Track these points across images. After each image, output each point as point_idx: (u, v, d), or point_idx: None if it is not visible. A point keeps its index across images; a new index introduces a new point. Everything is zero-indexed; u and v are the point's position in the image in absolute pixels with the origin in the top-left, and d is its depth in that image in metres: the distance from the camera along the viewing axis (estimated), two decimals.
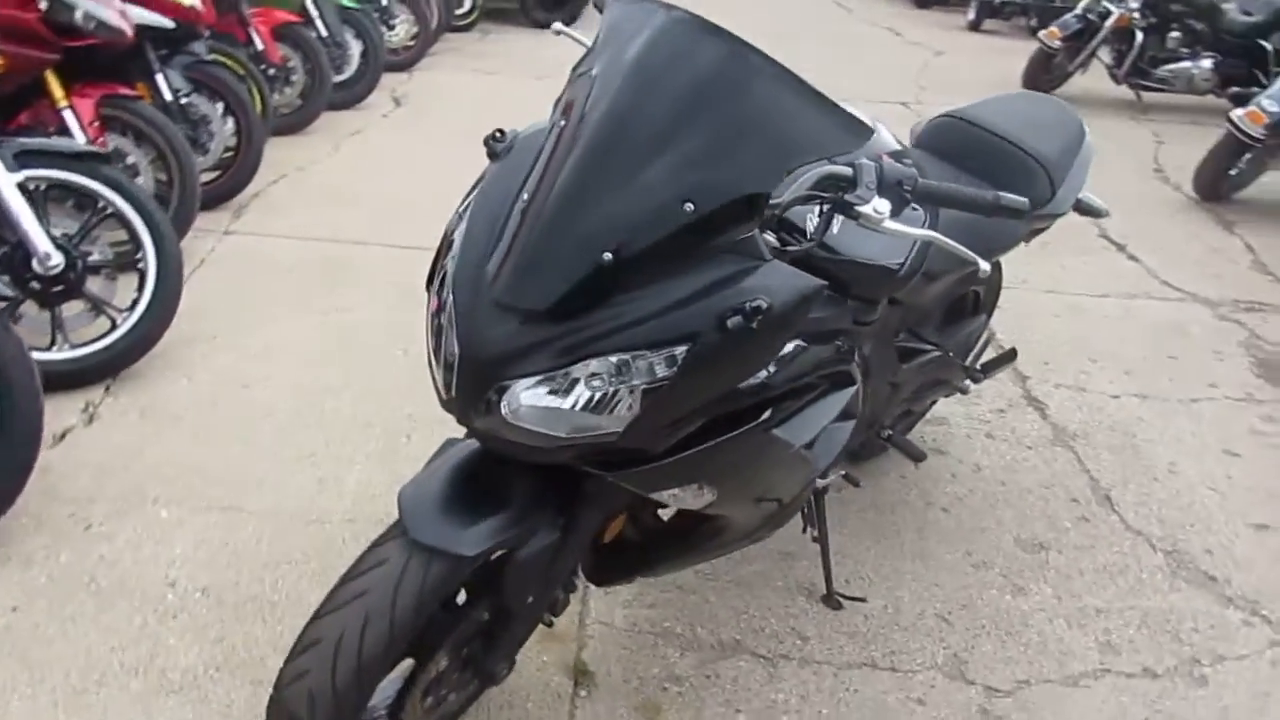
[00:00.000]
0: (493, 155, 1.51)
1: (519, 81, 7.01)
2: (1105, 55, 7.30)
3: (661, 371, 1.30)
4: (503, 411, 1.33)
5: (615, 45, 1.40)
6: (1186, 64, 7.02)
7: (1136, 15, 6.90)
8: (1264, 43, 6.72)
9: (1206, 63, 6.95)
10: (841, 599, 2.26)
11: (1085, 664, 2.15)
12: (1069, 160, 2.34)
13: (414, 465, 1.57)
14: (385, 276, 3.71)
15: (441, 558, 1.42)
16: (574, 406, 1.31)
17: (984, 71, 8.09)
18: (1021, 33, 9.92)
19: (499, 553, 1.50)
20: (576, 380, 1.30)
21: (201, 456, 2.60)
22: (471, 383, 1.34)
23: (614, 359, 1.29)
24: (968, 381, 2.49)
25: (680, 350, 1.29)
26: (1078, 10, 7.22)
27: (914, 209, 1.64)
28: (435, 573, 1.43)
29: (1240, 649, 2.22)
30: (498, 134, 1.52)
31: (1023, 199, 1.47)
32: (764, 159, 1.31)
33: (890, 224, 1.38)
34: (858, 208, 1.38)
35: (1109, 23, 7.01)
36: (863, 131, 1.37)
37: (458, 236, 1.44)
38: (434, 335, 1.43)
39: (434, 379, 1.44)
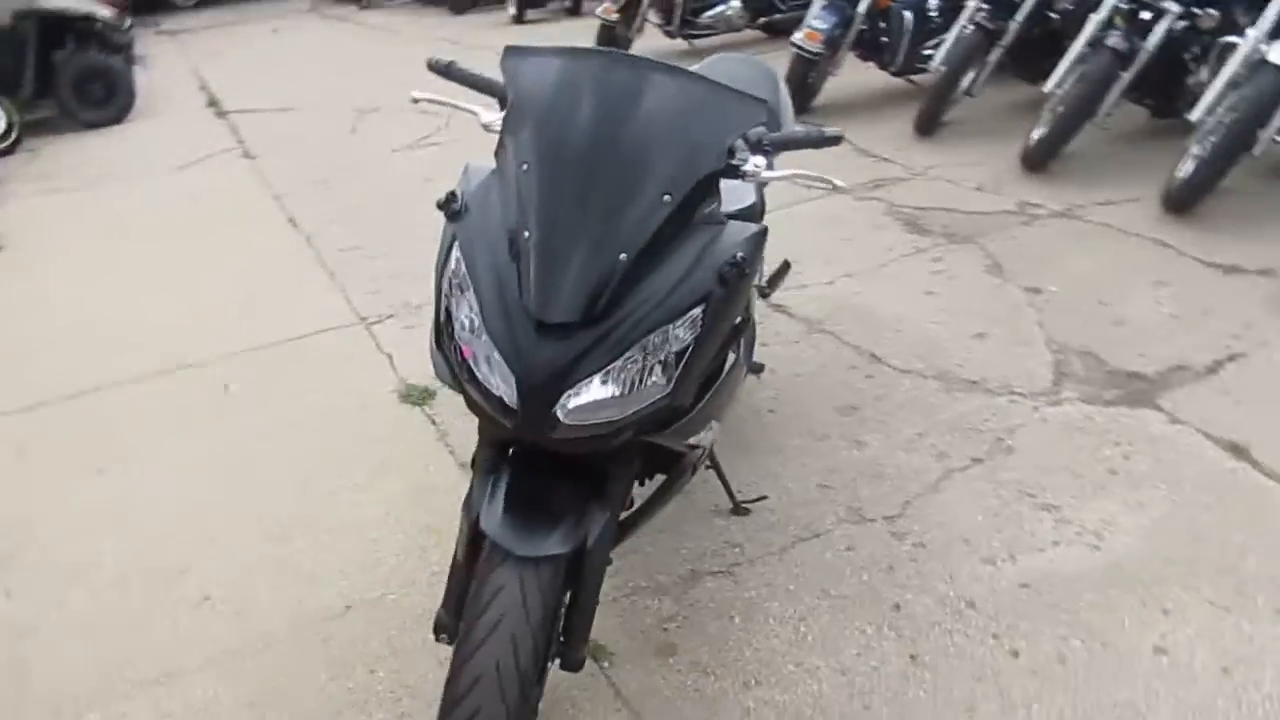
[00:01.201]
0: (453, 215, 1.68)
1: (109, 194, 6.51)
2: (654, 17, 8.21)
3: (688, 335, 1.59)
4: (568, 418, 1.55)
5: (552, 89, 1.66)
6: (720, 7, 8.12)
7: None
8: None
9: (736, 1, 8.09)
10: (747, 505, 2.66)
11: (934, 473, 2.74)
12: (778, 104, 2.87)
13: None
14: None
15: (548, 563, 1.62)
16: (629, 389, 1.57)
17: None
18: (562, 15, 10.77)
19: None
20: (627, 366, 1.56)
21: None
22: (538, 401, 1.55)
23: (654, 337, 1.57)
24: (759, 299, 2.98)
25: (697, 312, 1.59)
26: None
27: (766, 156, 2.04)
28: (548, 579, 1.62)
29: (1018, 419, 2.94)
30: (450, 196, 1.69)
31: (837, 129, 1.93)
32: (707, 145, 1.65)
33: (767, 174, 1.78)
34: (744, 168, 1.76)
35: None
36: (760, 105, 1.74)
37: (466, 287, 1.61)
38: (474, 379, 1.60)
39: (485, 414, 1.62)
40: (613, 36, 8.18)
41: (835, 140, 1.92)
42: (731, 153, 1.73)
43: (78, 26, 6.92)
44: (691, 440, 1.81)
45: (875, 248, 4.20)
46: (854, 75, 6.33)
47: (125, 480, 3.01)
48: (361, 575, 2.53)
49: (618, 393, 1.57)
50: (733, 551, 2.52)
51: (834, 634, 2.25)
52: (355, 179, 5.65)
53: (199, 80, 8.51)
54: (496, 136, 1.76)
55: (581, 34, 8.78)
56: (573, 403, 1.55)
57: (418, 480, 2.90)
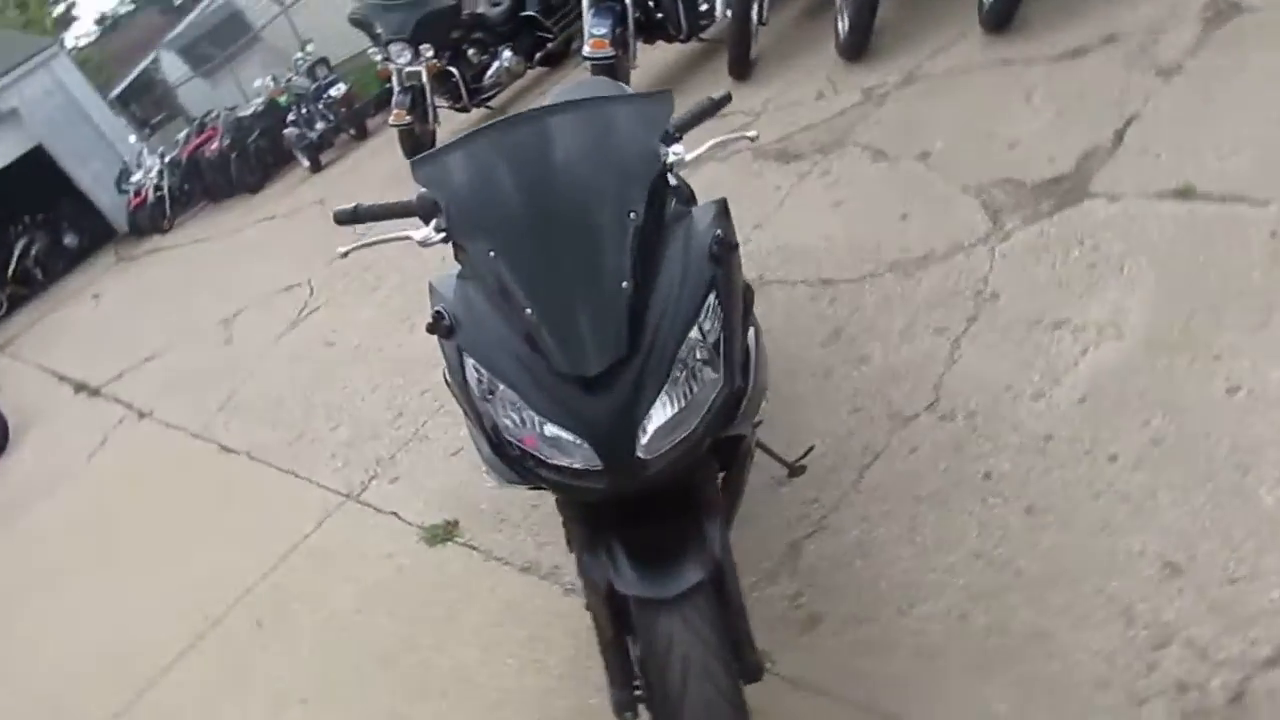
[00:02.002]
0: (447, 332, 1.67)
1: (39, 521, 6.23)
2: (442, 102, 8.25)
3: (715, 324, 1.62)
4: (650, 453, 1.56)
5: (477, 176, 1.68)
6: (495, 64, 8.22)
7: (442, 59, 7.90)
8: (526, 13, 8.14)
9: (506, 52, 8.19)
10: (801, 463, 2.67)
11: (942, 349, 2.81)
12: None
13: None
14: None
15: (697, 592, 1.62)
16: (689, 398, 1.59)
17: None
18: (352, 144, 10.75)
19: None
20: (677, 378, 1.58)
21: None
22: (618, 451, 1.55)
23: (690, 339, 1.58)
24: None
25: (712, 299, 1.62)
26: (397, 88, 8.02)
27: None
28: (705, 605, 1.64)
29: (984, 267, 3.03)
30: (436, 315, 1.67)
31: (722, 91, 1.99)
32: (640, 153, 1.69)
33: (690, 155, 1.83)
34: (671, 160, 1.80)
35: (425, 78, 7.92)
36: (665, 95, 1.78)
37: (495, 388, 1.60)
38: (546, 465, 1.59)
39: (572, 490, 1.61)
40: (413, 137, 8.18)
41: (726, 100, 1.98)
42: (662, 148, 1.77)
43: None
44: (757, 417, 1.83)
45: (765, 192, 4.28)
46: (651, 59, 6.47)
47: None
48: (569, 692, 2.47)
49: (682, 405, 1.59)
50: (813, 508, 2.54)
51: (947, 528, 2.28)
52: (257, 379, 5.52)
53: (51, 373, 8.22)
54: (421, 251, 1.79)
55: (380, 153, 8.82)
56: (648, 437, 1.56)
57: (498, 606, 2.84)
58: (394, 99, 8.01)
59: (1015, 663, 1.94)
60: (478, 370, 1.62)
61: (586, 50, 5.95)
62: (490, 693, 2.58)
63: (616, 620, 1.73)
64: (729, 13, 5.58)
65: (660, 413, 1.56)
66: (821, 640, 2.19)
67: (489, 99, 8.35)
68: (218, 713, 3.06)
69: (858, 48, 4.94)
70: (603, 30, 5.92)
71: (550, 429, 1.56)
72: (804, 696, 2.07)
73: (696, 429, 1.60)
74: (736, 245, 1.74)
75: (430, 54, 7.89)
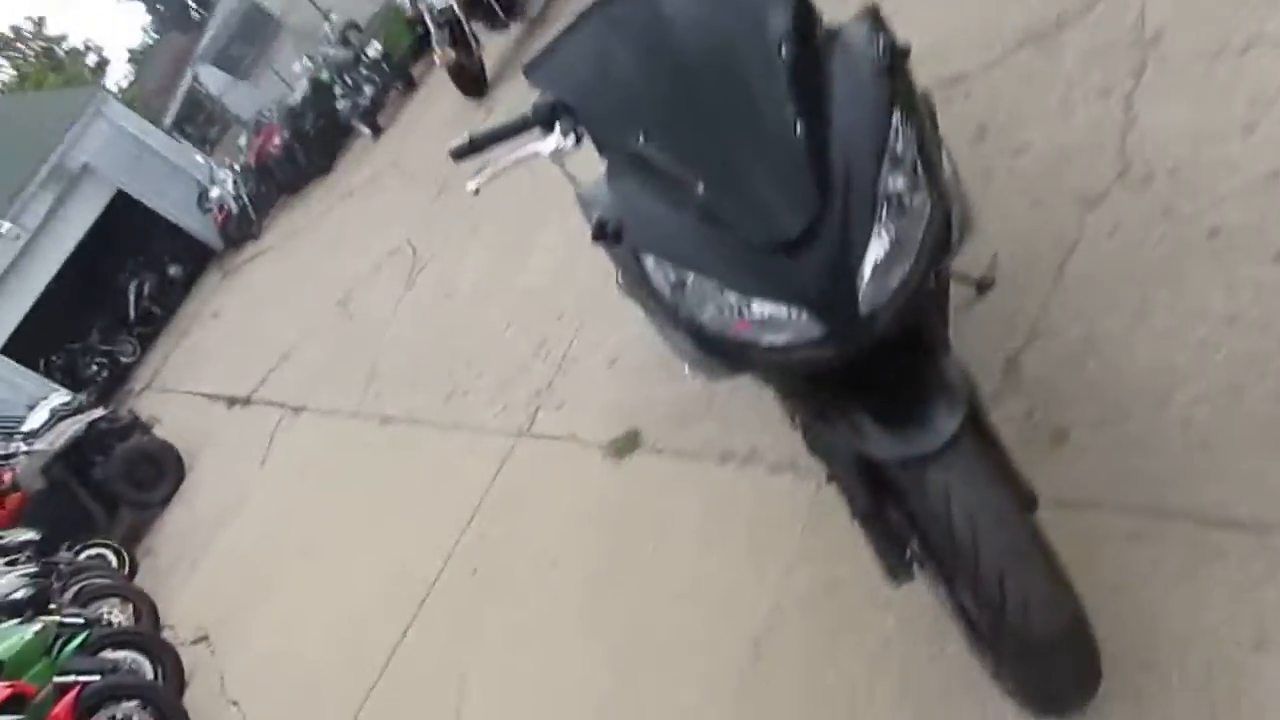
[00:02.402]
0: (616, 238, 1.51)
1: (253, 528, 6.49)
2: (481, 27, 7.96)
3: (909, 142, 1.42)
4: (874, 302, 1.38)
5: (601, 62, 1.54)
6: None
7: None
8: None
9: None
10: (987, 278, 2.44)
11: (1114, 101, 2.51)
12: None
13: None
14: None
15: (960, 437, 1.44)
16: (900, 231, 1.40)
17: None
18: (407, 100, 10.60)
19: None
20: (886, 211, 1.39)
21: None
22: (842, 310, 1.38)
23: (885, 164, 1.39)
24: None
25: (896, 116, 1.43)
26: (433, 29, 7.77)
27: None
28: (971, 448, 1.47)
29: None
30: (599, 224, 1.52)
31: None
32: None
33: None
34: None
35: (457, 9, 7.63)
36: None
37: (686, 278, 1.45)
38: (769, 349, 1.43)
39: (801, 366, 1.46)
40: (463, 72, 7.98)
41: None
42: None
43: (92, 435, 6.93)
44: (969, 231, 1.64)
45: None
46: None
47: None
48: None
49: (894, 242, 1.40)
50: (1019, 319, 2.33)
51: (1186, 300, 2.05)
52: (391, 348, 5.55)
53: (201, 396, 8.53)
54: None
55: (433, 99, 8.67)
56: (866, 287, 1.39)
57: (706, 501, 2.77)
58: (433, 40, 7.81)
59: None
60: (661, 267, 1.47)
61: (438, 59, 5.68)
62: (725, 586, 2.51)
63: (871, 489, 1.59)
64: None
65: (873, 257, 1.38)
66: (1076, 454, 2.00)
67: (524, 10, 8.05)
68: (459, 661, 3.11)
69: None
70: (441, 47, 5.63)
71: (759, 307, 1.40)
72: (1078, 515, 1.90)
73: (917, 264, 1.42)
74: (908, 49, 1.52)
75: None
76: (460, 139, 1.79)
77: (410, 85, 10.37)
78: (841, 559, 2.28)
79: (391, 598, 3.70)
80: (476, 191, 1.84)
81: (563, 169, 1.79)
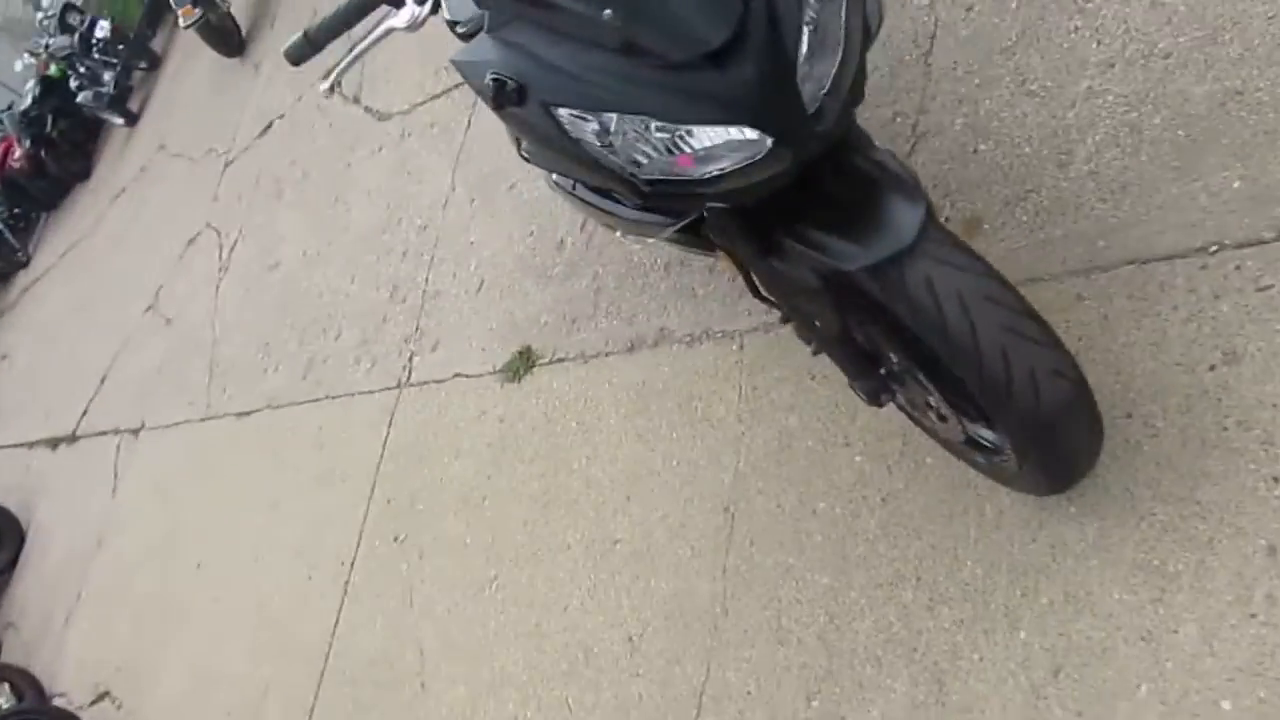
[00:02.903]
0: (518, 96, 1.32)
1: None
2: None
3: None
4: (812, 102, 1.27)
5: None
6: None
7: None
8: None
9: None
10: None
11: None
12: None
13: None
14: None
15: (927, 228, 1.36)
16: (822, 20, 1.28)
17: None
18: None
19: None
20: (813, 12, 1.27)
21: None
22: (786, 113, 1.27)
23: None
24: None
25: None
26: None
27: None
28: (941, 234, 1.39)
29: None
30: (497, 83, 1.32)
31: None
32: None
33: None
34: None
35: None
36: None
37: (609, 122, 1.28)
38: (715, 179, 1.30)
39: (757, 190, 1.33)
40: (214, 28, 7.22)
41: None
42: None
43: None
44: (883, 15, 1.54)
45: None
46: None
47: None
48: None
49: (823, 29, 1.29)
50: (899, 124, 2.27)
51: (1060, 58, 2.03)
52: (224, 338, 5.11)
53: (16, 447, 7.70)
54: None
55: (187, 66, 7.91)
56: (808, 82, 1.27)
57: (627, 395, 2.65)
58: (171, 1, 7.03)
59: (1221, 134, 1.74)
60: (580, 118, 1.29)
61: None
62: (678, 471, 2.42)
63: (847, 312, 1.50)
64: None
65: (807, 52, 1.26)
66: (995, 237, 1.98)
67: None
68: (410, 632, 2.93)
69: None
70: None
71: (700, 134, 1.25)
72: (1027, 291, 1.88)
73: (850, 52, 1.31)
74: None
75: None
76: (294, 37, 1.54)
77: (155, 60, 9.40)
78: (789, 410, 2.23)
79: (311, 589, 3.45)
80: (331, 91, 1.60)
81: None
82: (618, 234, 1.91)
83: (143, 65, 9.50)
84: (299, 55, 1.55)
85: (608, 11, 1.20)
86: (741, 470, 2.27)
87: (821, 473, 2.10)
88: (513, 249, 3.35)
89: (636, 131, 1.27)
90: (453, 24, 1.75)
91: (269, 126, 5.90)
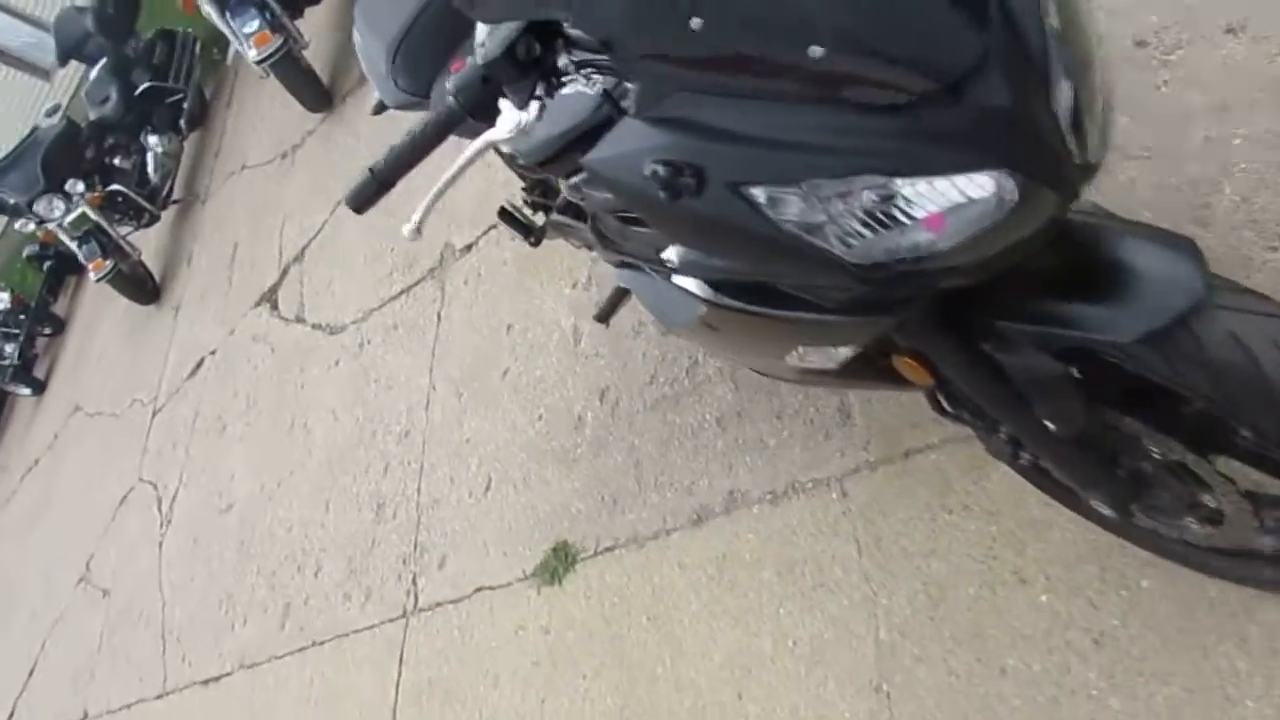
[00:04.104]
0: (696, 182, 1.01)
1: None
2: (127, 227, 7.00)
3: None
4: (1075, 129, 1.00)
5: None
6: (150, 155, 7.01)
7: (97, 185, 6.63)
8: (142, 88, 6.90)
9: (152, 138, 6.97)
10: None
11: None
12: None
13: None
14: None
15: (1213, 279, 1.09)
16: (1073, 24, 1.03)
17: None
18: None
19: None
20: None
21: None
22: (1046, 147, 0.99)
23: None
24: None
25: None
26: (75, 245, 6.67)
27: None
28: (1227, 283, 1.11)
29: None
30: (675, 173, 1.01)
31: None
32: None
33: None
34: None
35: (94, 214, 6.62)
36: None
37: (830, 194, 0.98)
38: (950, 247, 1.00)
39: (1001, 254, 1.03)
40: (127, 278, 6.85)
41: None
42: None
43: None
44: None
45: None
46: (315, 26, 5.60)
47: None
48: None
49: (1068, 37, 1.02)
50: None
51: None
52: (176, 601, 4.51)
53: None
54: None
55: (96, 322, 7.52)
56: (1066, 107, 0.99)
57: (722, 566, 2.26)
58: (83, 255, 6.69)
59: None
60: (781, 195, 1.00)
61: (254, 54, 5.01)
62: (798, 651, 2.02)
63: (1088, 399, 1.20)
64: None
65: (1061, 71, 0.99)
66: None
67: (169, 194, 7.17)
68: None
69: None
70: (255, 23, 5.00)
71: (941, 188, 0.96)
72: None
73: (1104, 70, 1.06)
74: None
75: (81, 187, 6.63)
76: (361, 179, 1.22)
77: (59, 324, 8.98)
78: (930, 555, 1.89)
79: None
80: (418, 231, 1.28)
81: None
82: (771, 375, 1.58)
83: (47, 331, 9.06)
84: (366, 198, 1.23)
85: (816, 49, 0.93)
86: (885, 638, 1.89)
87: (997, 622, 1.74)
88: (520, 437, 3.00)
89: (864, 196, 0.98)
90: (562, 144, 1.43)
91: (199, 365, 5.51)
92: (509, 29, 1.15)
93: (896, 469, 2.02)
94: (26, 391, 8.68)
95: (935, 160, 0.96)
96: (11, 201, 6.51)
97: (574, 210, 2.10)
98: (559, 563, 2.65)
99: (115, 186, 6.70)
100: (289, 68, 5.13)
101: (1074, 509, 1.57)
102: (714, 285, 1.23)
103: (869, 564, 1.98)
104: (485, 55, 1.15)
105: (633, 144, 1.07)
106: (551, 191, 2.32)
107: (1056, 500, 1.58)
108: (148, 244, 7.06)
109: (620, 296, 2.31)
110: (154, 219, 7.03)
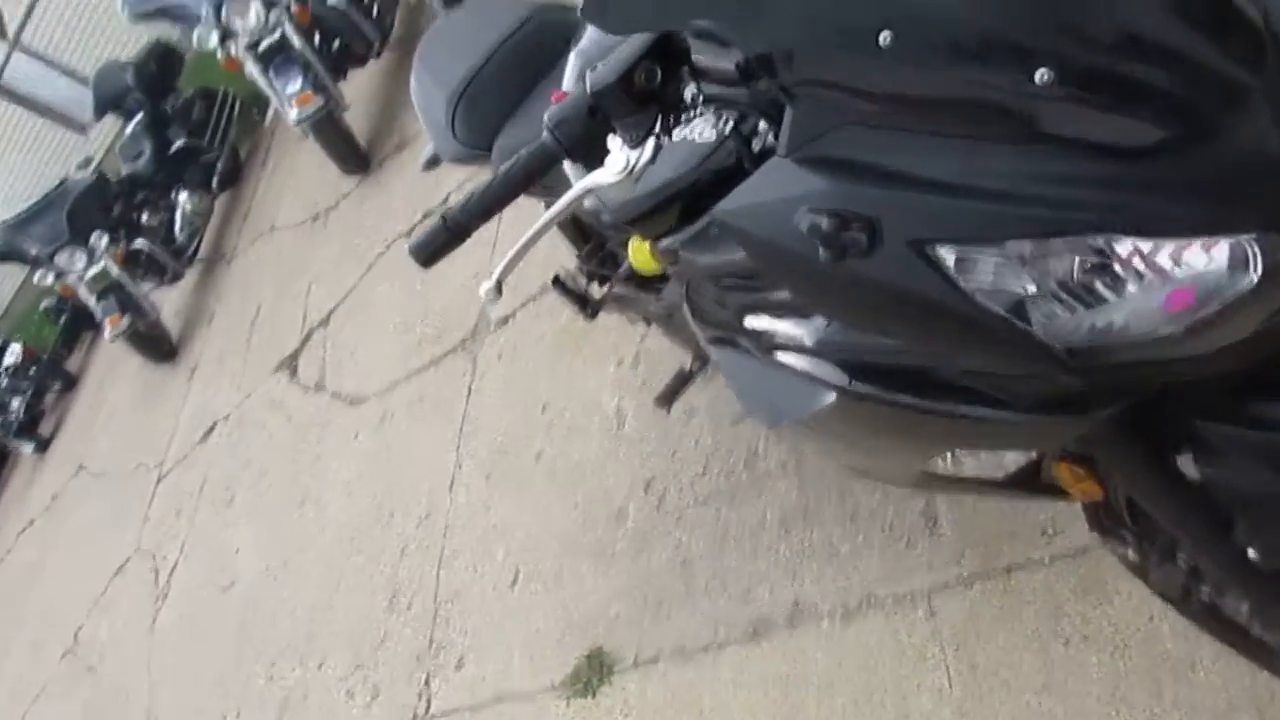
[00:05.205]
0: (871, 237, 0.80)
1: None
2: (149, 284, 6.85)
3: None
4: None
5: None
6: (178, 213, 6.92)
7: (120, 241, 6.53)
8: (177, 146, 6.85)
9: (182, 195, 6.89)
10: None
11: None
12: None
13: None
14: None
15: None
16: None
17: None
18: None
19: None
20: None
21: None
22: None
23: None
24: None
25: None
26: (92, 300, 6.53)
27: None
28: None
29: None
30: (841, 224, 0.80)
31: None
32: None
33: None
34: None
35: (115, 270, 6.49)
36: None
37: (1046, 252, 0.77)
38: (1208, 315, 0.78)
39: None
40: (144, 336, 6.70)
41: None
42: None
43: None
44: None
45: None
46: (357, 92, 5.53)
47: None
48: None
49: None
50: None
51: None
52: (166, 682, 4.21)
53: None
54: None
55: (109, 379, 7.34)
56: None
57: (784, 688, 1.99)
58: (99, 311, 6.54)
59: None
60: (975, 256, 0.79)
61: (294, 115, 4.93)
62: None
63: None
64: None
65: None
66: None
67: (195, 252, 7.07)
68: None
69: None
70: (298, 83, 4.93)
71: (1192, 254, 0.75)
72: None
73: None
74: None
75: (105, 241, 6.53)
76: (430, 227, 1.01)
77: (70, 380, 8.80)
78: (1042, 691, 1.63)
79: None
80: (497, 291, 1.07)
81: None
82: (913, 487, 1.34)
83: (57, 386, 8.89)
84: (435, 250, 1.02)
85: (1043, 73, 0.72)
86: None
87: None
88: (554, 527, 2.75)
89: (1066, 264, 0.77)
90: (676, 191, 1.21)
91: (211, 430, 5.30)
92: (628, 52, 0.96)
93: (996, 587, 1.77)
94: (29, 448, 8.46)
95: (1182, 217, 0.75)
96: (33, 252, 6.41)
97: (639, 281, 1.91)
98: (593, 673, 2.38)
99: (140, 242, 6.61)
100: (328, 129, 5.05)
101: (1254, 658, 1.32)
102: (853, 370, 1.01)
103: (963, 696, 1.71)
104: (595, 82, 0.95)
105: (781, 190, 0.86)
106: (610, 260, 2.13)
107: (1231, 646, 1.33)
108: (169, 302, 6.94)
109: (685, 379, 2.09)
110: (177, 277, 6.92)
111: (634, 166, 0.95)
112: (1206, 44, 0.74)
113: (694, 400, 2.49)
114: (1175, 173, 0.74)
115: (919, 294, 0.81)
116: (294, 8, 4.98)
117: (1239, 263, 0.75)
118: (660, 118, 0.97)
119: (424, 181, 4.52)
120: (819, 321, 0.98)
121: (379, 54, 5.43)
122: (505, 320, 3.44)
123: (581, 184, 0.98)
